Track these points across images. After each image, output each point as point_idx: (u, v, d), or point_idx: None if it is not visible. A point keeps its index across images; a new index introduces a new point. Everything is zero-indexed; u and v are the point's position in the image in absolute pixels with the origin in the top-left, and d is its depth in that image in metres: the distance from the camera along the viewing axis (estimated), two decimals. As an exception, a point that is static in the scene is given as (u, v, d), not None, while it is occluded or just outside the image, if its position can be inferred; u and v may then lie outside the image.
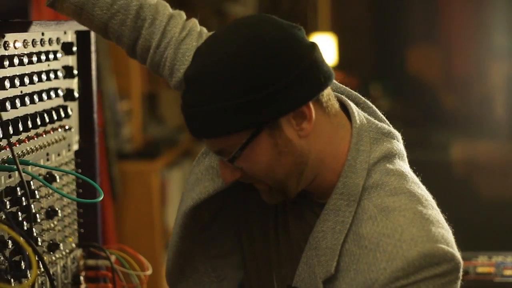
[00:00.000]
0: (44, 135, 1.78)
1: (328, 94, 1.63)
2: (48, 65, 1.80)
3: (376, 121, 1.69)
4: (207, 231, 1.86)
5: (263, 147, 1.57)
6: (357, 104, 1.74)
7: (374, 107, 1.76)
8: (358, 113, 1.67)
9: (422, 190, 1.64)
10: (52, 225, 1.83)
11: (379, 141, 1.66)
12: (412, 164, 1.73)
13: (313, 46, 1.60)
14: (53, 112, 1.80)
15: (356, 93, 1.76)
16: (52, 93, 1.80)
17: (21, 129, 1.65)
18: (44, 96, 1.75)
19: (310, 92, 1.58)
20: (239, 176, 1.63)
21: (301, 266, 1.66)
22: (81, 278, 1.99)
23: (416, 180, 1.67)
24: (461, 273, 1.58)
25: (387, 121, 1.74)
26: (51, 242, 1.83)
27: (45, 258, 1.79)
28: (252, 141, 1.57)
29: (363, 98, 1.76)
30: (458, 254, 1.56)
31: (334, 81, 1.71)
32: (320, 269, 1.61)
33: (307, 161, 1.61)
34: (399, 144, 1.69)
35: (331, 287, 1.61)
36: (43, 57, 1.76)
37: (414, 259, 1.52)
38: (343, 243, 1.60)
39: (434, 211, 1.61)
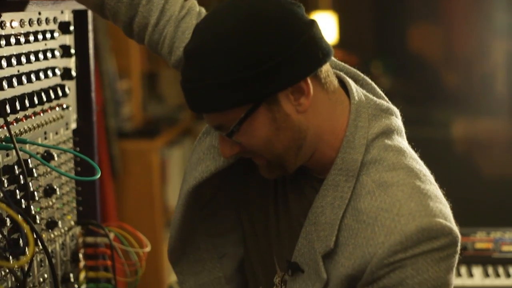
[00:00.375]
0: (41, 114, 1.79)
1: (326, 70, 1.63)
2: (45, 44, 1.81)
3: (375, 98, 1.70)
4: (208, 209, 1.88)
5: (261, 121, 1.58)
6: (356, 81, 1.74)
7: (373, 83, 1.76)
8: (356, 90, 1.68)
9: (420, 166, 1.65)
10: (50, 203, 1.84)
11: (378, 117, 1.66)
12: (413, 141, 1.74)
13: (312, 22, 1.60)
14: (51, 91, 1.80)
15: (355, 70, 1.77)
16: (50, 72, 1.81)
17: (18, 108, 1.65)
18: (42, 75, 1.76)
19: (308, 68, 1.58)
20: (238, 151, 1.64)
21: (300, 241, 1.67)
22: (80, 255, 2.00)
23: (414, 155, 1.68)
24: (459, 248, 1.58)
25: (386, 97, 1.74)
26: (49, 220, 1.84)
27: (43, 235, 1.81)
28: (250, 115, 1.57)
29: (362, 75, 1.76)
30: (456, 229, 1.57)
31: (333, 58, 1.71)
32: (319, 244, 1.62)
33: (305, 137, 1.62)
34: (397, 120, 1.69)
35: (330, 262, 1.62)
36: (40, 36, 1.76)
37: (412, 233, 1.53)
38: (342, 218, 1.61)
39: (432, 186, 1.62)
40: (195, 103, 1.60)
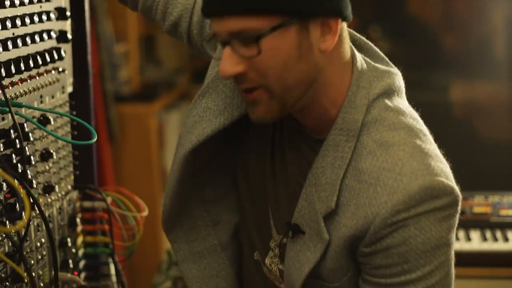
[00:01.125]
0: (37, 77, 1.77)
1: (346, 31, 1.63)
2: (41, 6, 1.78)
3: (377, 64, 1.70)
4: (203, 174, 1.87)
5: (288, 42, 1.53)
6: (360, 47, 1.75)
7: (369, 43, 1.75)
8: (357, 54, 1.68)
9: (420, 125, 1.65)
10: (47, 167, 1.83)
11: (379, 78, 1.65)
12: (411, 105, 1.73)
13: None
14: (46, 54, 1.78)
15: (360, 36, 1.75)
16: (45, 35, 1.78)
17: (13, 71, 1.63)
18: (37, 38, 1.73)
19: (345, 10, 1.58)
20: (242, 70, 1.55)
21: (300, 203, 1.67)
22: (77, 220, 2.00)
23: (415, 115, 1.67)
24: (459, 207, 1.59)
25: (389, 62, 1.73)
26: (46, 184, 1.83)
27: (40, 200, 1.80)
28: (281, 28, 1.52)
29: (358, 35, 1.75)
30: (457, 188, 1.58)
31: None
32: (320, 205, 1.62)
33: (316, 78, 1.59)
34: (398, 79, 1.68)
35: (332, 223, 1.61)
36: (34, -2, 1.74)
37: (415, 192, 1.53)
38: (343, 178, 1.60)
39: (432, 146, 1.62)
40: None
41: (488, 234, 2.89)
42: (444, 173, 1.57)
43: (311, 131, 1.68)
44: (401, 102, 1.67)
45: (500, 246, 2.83)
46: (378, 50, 1.75)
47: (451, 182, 1.57)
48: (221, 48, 1.61)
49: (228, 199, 1.91)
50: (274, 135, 1.77)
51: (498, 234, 2.89)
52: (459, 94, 4.41)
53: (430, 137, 1.65)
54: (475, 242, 2.85)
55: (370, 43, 1.75)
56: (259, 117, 1.61)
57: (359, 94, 1.62)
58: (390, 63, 1.73)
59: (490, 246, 2.84)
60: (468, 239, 2.87)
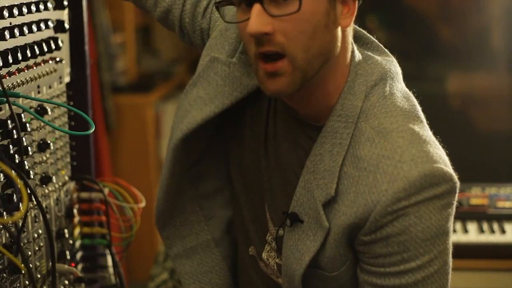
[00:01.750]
0: (34, 67, 1.76)
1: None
2: (38, -5, 1.77)
3: (367, 51, 1.70)
4: (196, 168, 1.86)
5: (322, 6, 1.53)
6: (359, 38, 1.75)
7: (363, 31, 1.75)
8: (355, 46, 1.69)
9: (417, 111, 1.65)
10: (44, 158, 1.82)
11: (376, 65, 1.66)
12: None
13: None
14: (44, 44, 1.77)
15: (359, 28, 1.76)
16: (42, 25, 1.77)
17: (11, 61, 1.62)
18: (34, 27, 1.72)
19: None
20: (269, 30, 1.51)
21: (298, 191, 1.66)
22: (75, 211, 1.99)
23: (413, 101, 1.67)
24: (457, 195, 1.59)
25: (376, 41, 1.73)
26: (43, 175, 1.82)
27: (37, 191, 1.79)
28: None
29: (365, 34, 1.75)
30: (455, 175, 1.58)
31: None
32: (319, 192, 1.61)
33: (331, 56, 1.59)
34: (394, 65, 1.69)
35: (330, 211, 1.61)
36: (32, -13, 1.73)
37: (415, 180, 1.53)
38: (341, 166, 1.59)
39: (429, 132, 1.63)
40: None
41: (485, 226, 2.89)
42: (442, 160, 1.57)
43: (309, 118, 1.67)
44: (399, 87, 1.66)
45: (497, 238, 2.83)
46: (372, 38, 1.74)
47: (450, 169, 1.57)
48: (234, 14, 1.62)
49: (221, 193, 1.90)
50: (267, 126, 1.76)
51: (495, 226, 2.89)
52: (456, 85, 4.40)
53: (426, 124, 1.65)
54: (472, 234, 2.85)
55: (363, 31, 1.75)
56: (279, 89, 1.57)
57: (358, 81, 1.63)
58: (386, 51, 1.73)
59: (487, 238, 2.83)
60: (465, 231, 2.86)
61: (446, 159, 1.60)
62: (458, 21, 4.62)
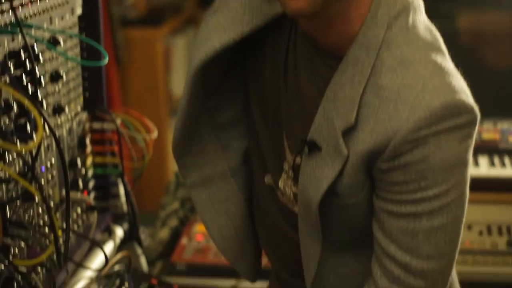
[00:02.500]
0: (47, -1, 1.76)
1: None
2: None
3: None
4: (213, 98, 1.86)
5: None
6: None
7: None
8: None
9: (439, 43, 1.64)
10: (57, 88, 1.83)
11: None
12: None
13: None
14: (56, -25, 1.77)
15: None
16: (54, -45, 1.77)
17: (23, -8, 1.63)
18: (46, -42, 1.72)
19: None
20: None
21: (317, 119, 1.65)
22: (87, 141, 2.00)
23: (435, 32, 1.66)
24: (477, 127, 1.59)
25: None
26: (56, 105, 1.83)
27: (50, 121, 1.80)
28: None
29: None
30: (476, 107, 1.57)
31: None
32: (339, 120, 1.61)
33: None
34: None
35: (350, 139, 1.60)
36: None
37: (437, 109, 1.52)
38: (362, 94, 1.59)
39: (451, 65, 1.62)
40: None
41: (497, 160, 2.90)
42: (464, 91, 1.57)
43: (329, 47, 1.67)
44: (422, 19, 1.65)
45: (508, 172, 2.84)
46: None
47: (471, 100, 1.57)
48: None
49: (238, 125, 1.90)
50: (287, 56, 1.76)
51: (507, 160, 2.90)
52: (467, 22, 4.37)
53: (448, 56, 1.64)
54: (483, 168, 2.86)
55: None
56: (300, 8, 1.53)
57: (380, 10, 1.61)
58: None
59: (498, 172, 2.85)
60: (476, 164, 2.88)
61: (467, 90, 1.59)
62: (469, -43, 4.58)
